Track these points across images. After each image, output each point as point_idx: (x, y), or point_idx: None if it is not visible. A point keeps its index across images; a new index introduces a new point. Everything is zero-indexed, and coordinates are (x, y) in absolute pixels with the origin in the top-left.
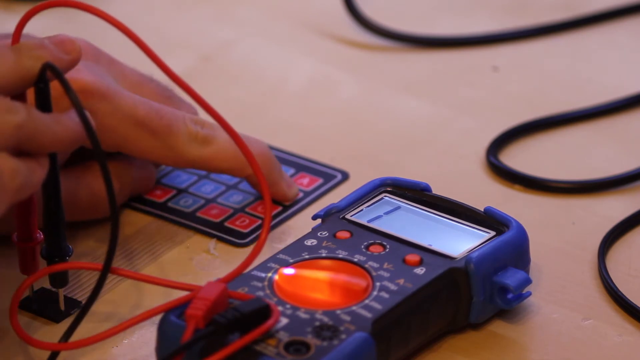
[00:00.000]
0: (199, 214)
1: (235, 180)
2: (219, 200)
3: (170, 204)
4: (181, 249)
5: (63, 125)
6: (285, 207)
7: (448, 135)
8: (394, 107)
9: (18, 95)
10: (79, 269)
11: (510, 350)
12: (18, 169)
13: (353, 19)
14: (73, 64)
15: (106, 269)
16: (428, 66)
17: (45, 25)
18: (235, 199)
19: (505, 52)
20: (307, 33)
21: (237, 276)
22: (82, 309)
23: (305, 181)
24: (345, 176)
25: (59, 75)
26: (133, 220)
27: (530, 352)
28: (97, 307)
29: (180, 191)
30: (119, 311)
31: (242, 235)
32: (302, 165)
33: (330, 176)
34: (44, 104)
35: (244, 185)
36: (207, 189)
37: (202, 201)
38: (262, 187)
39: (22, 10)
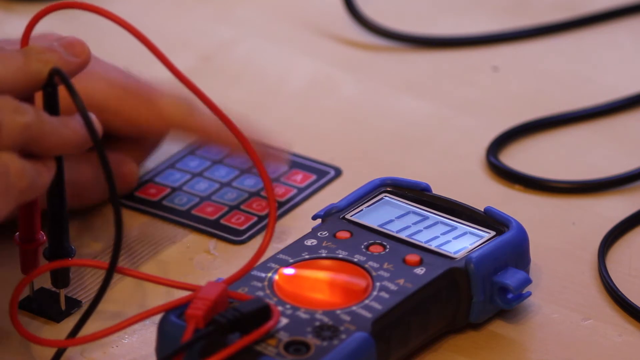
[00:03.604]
0: (194, 212)
1: (228, 178)
2: (214, 197)
3: (164, 203)
4: (181, 248)
5: (70, 128)
6: (280, 204)
7: (448, 135)
8: (394, 106)
9: (26, 98)
10: (82, 266)
11: (510, 350)
12: (25, 169)
13: (353, 19)
14: (82, 66)
15: (113, 266)
16: (428, 66)
17: (47, 25)
18: (229, 196)
19: (505, 52)
20: (307, 33)
21: (239, 278)
22: (88, 307)
23: (298, 178)
24: (338, 172)
25: (65, 80)
26: (128, 219)
27: (530, 352)
28: (98, 306)
29: (174, 189)
30: (119, 310)
31: (239, 233)
32: (294, 162)
33: (324, 172)
34: (51, 107)
35: (238, 183)
36: (201, 186)
37: (197, 199)
38: (266, 187)
39: (23, 10)
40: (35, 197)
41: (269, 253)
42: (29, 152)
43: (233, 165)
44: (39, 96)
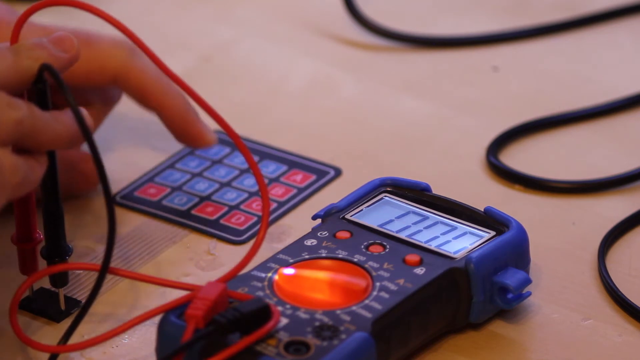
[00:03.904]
0: (194, 212)
1: (228, 177)
2: (214, 197)
3: (164, 202)
4: (181, 248)
5: (62, 123)
6: (281, 203)
7: (448, 135)
8: (393, 106)
9: (17, 96)
10: (77, 270)
11: (510, 350)
12: (18, 165)
13: (353, 19)
14: (72, 62)
15: (104, 270)
16: (428, 66)
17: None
18: (229, 196)
19: (505, 52)
20: (307, 33)
21: (234, 275)
22: (81, 310)
23: (298, 178)
24: (338, 172)
25: (56, 76)
26: (128, 219)
27: (530, 352)
28: (96, 307)
29: (173, 189)
30: (118, 311)
31: (239, 233)
32: (294, 162)
33: (324, 173)
34: (42, 103)
35: (238, 183)
36: (201, 186)
37: (197, 199)
38: (260, 186)
39: (22, 9)
40: (27, 193)
41: (268, 253)
42: (21, 147)
43: (204, 156)
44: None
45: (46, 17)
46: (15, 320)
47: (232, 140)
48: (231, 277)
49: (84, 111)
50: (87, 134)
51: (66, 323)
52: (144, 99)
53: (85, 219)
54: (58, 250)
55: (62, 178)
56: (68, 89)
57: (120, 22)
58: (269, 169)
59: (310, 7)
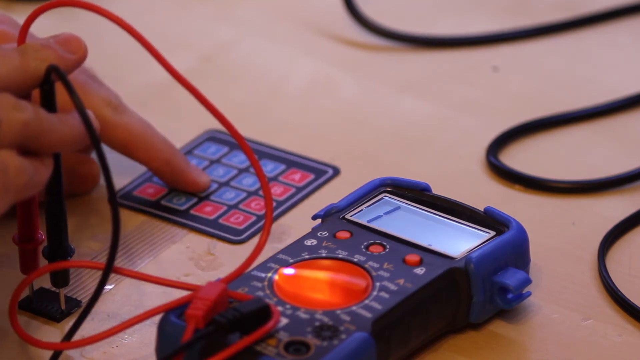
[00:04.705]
0: (193, 212)
1: (227, 177)
2: (212, 197)
3: (163, 202)
4: (180, 248)
5: (68, 125)
6: (279, 202)
7: (448, 135)
8: (393, 106)
9: (24, 97)
10: (79, 268)
11: (510, 350)
12: (24, 167)
13: (353, 19)
14: (79, 63)
15: (108, 268)
16: (428, 66)
17: (45, 24)
18: (227, 196)
19: (505, 52)
20: (307, 33)
21: (237, 277)
22: (84, 309)
23: (296, 177)
24: (336, 172)
25: (63, 77)
26: (127, 219)
27: (530, 352)
28: (97, 306)
29: (172, 189)
30: (119, 311)
31: (238, 232)
32: (293, 162)
33: (322, 172)
34: (49, 105)
35: (236, 182)
36: None
37: (195, 199)
38: (263, 186)
39: (22, 10)
40: (32, 195)
41: (268, 253)
42: (27, 149)
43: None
44: (35, 94)
45: (46, 19)
46: (15, 318)
47: (235, 140)
48: (234, 277)
49: (90, 113)
50: (93, 137)
51: (66, 323)
52: (130, 154)
53: (87, 219)
54: (60, 250)
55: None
56: (75, 90)
57: (125, 21)
58: (267, 168)
59: (310, 7)
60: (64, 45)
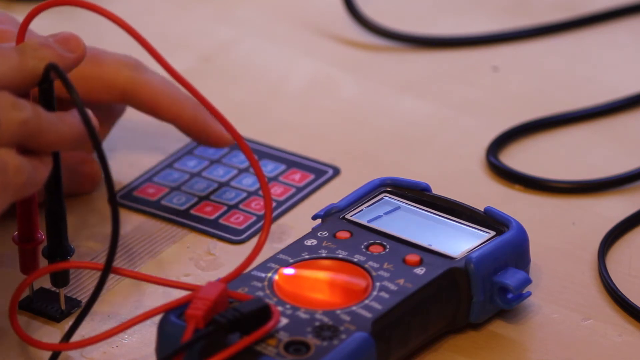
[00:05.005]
0: (193, 212)
1: (227, 177)
2: (212, 197)
3: (163, 202)
4: (180, 248)
5: (67, 124)
6: (279, 202)
7: (448, 135)
8: (393, 106)
9: (22, 96)
10: (79, 268)
11: (510, 350)
12: (23, 165)
13: (353, 19)
14: (78, 61)
15: (107, 269)
16: (428, 66)
17: (45, 24)
18: (227, 195)
19: (505, 52)
20: (307, 33)
21: (237, 276)
22: (83, 309)
23: (297, 177)
24: (336, 172)
25: (62, 76)
26: (127, 219)
27: (530, 352)
28: (97, 307)
29: (172, 189)
30: (119, 311)
31: (238, 232)
32: (293, 162)
33: (322, 172)
34: (47, 103)
35: (236, 182)
36: (200, 186)
37: (195, 199)
38: (262, 186)
39: (23, 10)
40: (31, 194)
41: (268, 253)
42: (26, 148)
43: (203, 156)
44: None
45: (49, 18)
46: (15, 318)
47: (235, 139)
48: (233, 277)
49: (89, 112)
50: (93, 135)
51: (66, 323)
52: (157, 112)
53: (87, 219)
54: (60, 250)
55: (67, 179)
56: (74, 89)
57: (124, 21)
58: (267, 168)
59: (310, 7)
60: (63, 44)
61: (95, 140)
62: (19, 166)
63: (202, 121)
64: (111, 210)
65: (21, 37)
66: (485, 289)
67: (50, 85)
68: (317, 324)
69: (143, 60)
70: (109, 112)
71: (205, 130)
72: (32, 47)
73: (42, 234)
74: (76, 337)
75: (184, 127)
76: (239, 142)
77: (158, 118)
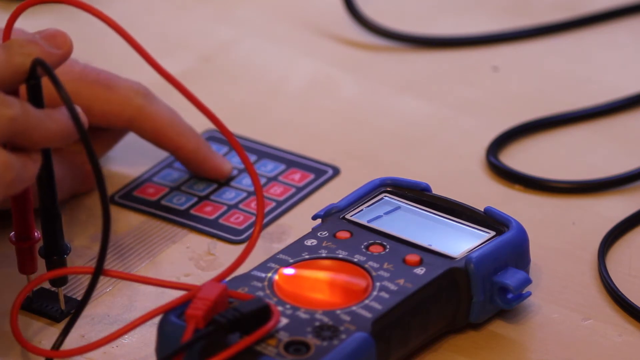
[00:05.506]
0: (193, 212)
1: (227, 177)
2: (212, 197)
3: (163, 202)
4: (180, 248)
5: (55, 120)
6: (279, 202)
7: (448, 135)
8: (393, 107)
9: (10, 93)
10: (74, 274)
11: (510, 350)
12: (11, 162)
13: (353, 19)
14: (64, 58)
15: (97, 275)
16: (428, 66)
17: (46, 24)
18: (227, 195)
19: (505, 52)
20: (307, 33)
21: (230, 273)
22: (73, 315)
23: (296, 177)
24: (336, 171)
25: (49, 71)
26: (127, 219)
27: (530, 352)
28: (96, 308)
29: (172, 189)
30: (117, 312)
31: (238, 232)
32: (292, 161)
33: (322, 172)
34: (36, 100)
35: (237, 182)
36: (200, 186)
37: (195, 199)
38: (254, 183)
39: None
40: (20, 190)
41: (269, 253)
42: (14, 145)
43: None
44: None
45: (49, 18)
46: (15, 324)
47: (226, 139)
48: (226, 275)
49: (78, 108)
50: (82, 132)
51: (65, 323)
52: (159, 143)
53: (82, 217)
54: (56, 248)
55: (67, 178)
56: (62, 85)
57: (114, 21)
58: (267, 168)
59: (310, 7)
60: (50, 40)
61: (84, 137)
62: (7, 163)
63: (202, 155)
64: (102, 209)
65: (7, 35)
66: (485, 289)
67: (37, 82)
68: (317, 324)
69: (144, 60)
70: (114, 133)
71: (204, 164)
72: (19, 44)
73: (38, 233)
74: (75, 337)
75: (184, 159)
76: (230, 141)
77: (159, 147)
